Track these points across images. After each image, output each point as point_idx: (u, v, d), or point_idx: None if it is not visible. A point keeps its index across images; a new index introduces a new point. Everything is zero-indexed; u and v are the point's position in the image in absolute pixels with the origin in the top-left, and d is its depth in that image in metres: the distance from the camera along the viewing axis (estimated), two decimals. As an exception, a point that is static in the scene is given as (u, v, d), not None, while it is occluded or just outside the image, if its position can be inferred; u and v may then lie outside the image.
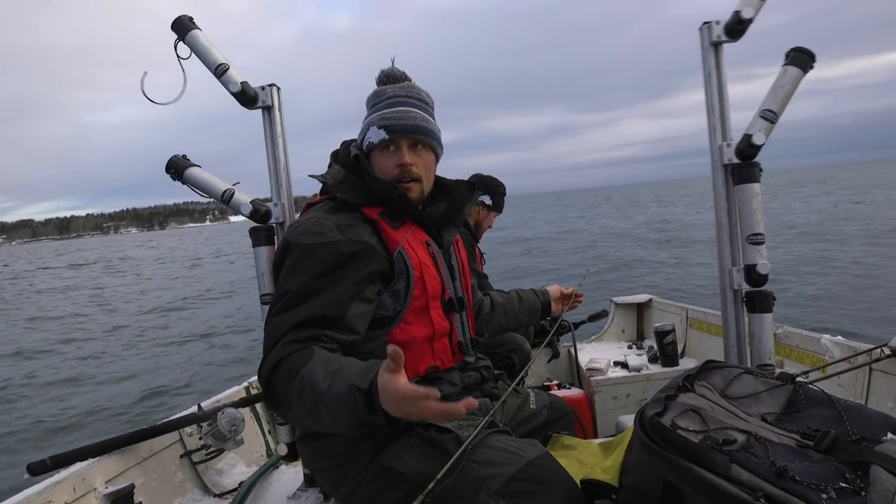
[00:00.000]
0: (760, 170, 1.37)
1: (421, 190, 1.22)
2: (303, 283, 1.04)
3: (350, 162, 1.22)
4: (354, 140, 1.28)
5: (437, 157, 1.26)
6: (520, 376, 1.35)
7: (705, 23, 1.39)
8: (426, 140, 1.20)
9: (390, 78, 1.24)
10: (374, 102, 1.22)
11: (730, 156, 1.39)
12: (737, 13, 1.34)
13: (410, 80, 1.25)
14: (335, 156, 1.27)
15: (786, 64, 1.37)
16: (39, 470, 1.23)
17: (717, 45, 1.41)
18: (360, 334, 1.07)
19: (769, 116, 1.34)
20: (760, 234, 1.36)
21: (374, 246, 1.11)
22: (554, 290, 1.67)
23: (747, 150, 1.35)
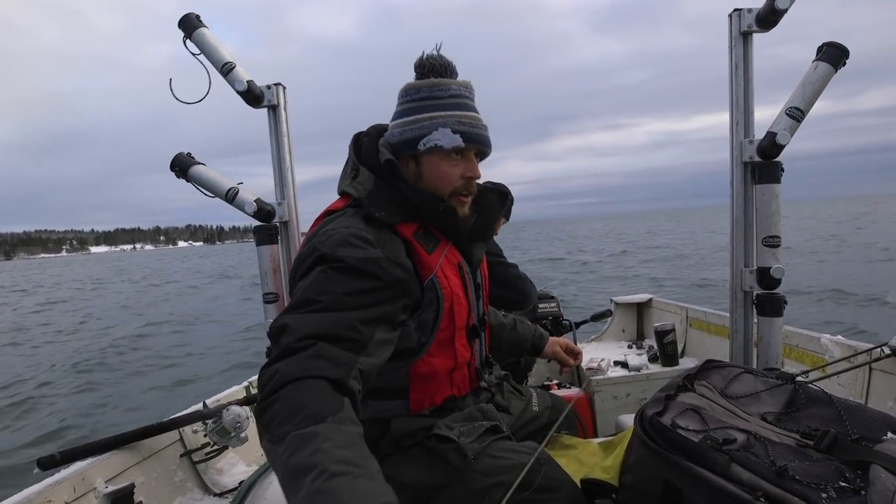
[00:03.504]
0: (782, 169, 1.32)
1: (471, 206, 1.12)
2: (336, 297, 0.87)
3: (381, 168, 1.05)
4: (369, 132, 1.12)
5: None
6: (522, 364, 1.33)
7: (736, 10, 1.33)
8: (488, 154, 1.11)
9: (447, 70, 1.06)
10: (434, 96, 1.04)
11: (751, 153, 1.34)
12: (771, 2, 1.26)
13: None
14: (357, 152, 1.10)
15: (817, 59, 1.28)
16: (49, 464, 1.24)
17: (746, 35, 1.34)
18: (382, 362, 0.92)
19: (795, 115, 1.27)
20: (777, 237, 1.32)
21: (412, 274, 0.99)
22: (557, 350, 1.52)
23: (770, 148, 1.29)
